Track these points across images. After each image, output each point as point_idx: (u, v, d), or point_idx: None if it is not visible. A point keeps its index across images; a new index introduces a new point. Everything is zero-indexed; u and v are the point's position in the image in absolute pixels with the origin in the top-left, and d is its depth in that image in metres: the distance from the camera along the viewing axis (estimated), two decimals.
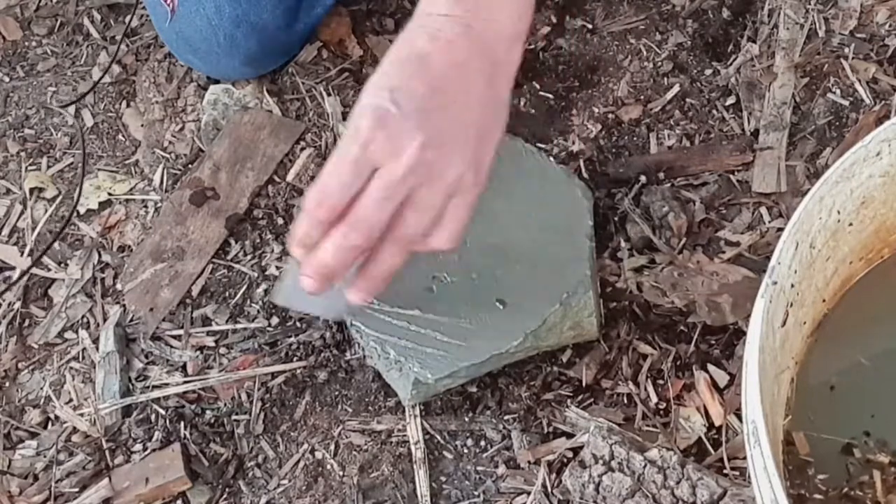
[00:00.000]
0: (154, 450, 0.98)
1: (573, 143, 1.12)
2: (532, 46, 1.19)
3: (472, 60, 0.81)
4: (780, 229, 1.03)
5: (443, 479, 0.96)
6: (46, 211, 1.16)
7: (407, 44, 0.81)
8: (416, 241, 0.83)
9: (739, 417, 0.93)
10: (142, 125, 1.21)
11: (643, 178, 1.08)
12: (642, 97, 1.15)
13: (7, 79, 1.27)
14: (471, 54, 0.81)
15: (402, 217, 0.81)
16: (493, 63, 0.82)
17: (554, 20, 1.22)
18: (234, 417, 1.01)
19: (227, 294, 1.08)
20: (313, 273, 0.84)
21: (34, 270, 1.12)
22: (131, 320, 1.07)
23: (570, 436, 0.95)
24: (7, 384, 1.06)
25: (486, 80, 0.82)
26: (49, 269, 1.12)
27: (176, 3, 1.12)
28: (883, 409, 0.89)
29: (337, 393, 1.01)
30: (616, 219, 1.06)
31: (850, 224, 0.88)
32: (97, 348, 1.06)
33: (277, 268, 1.08)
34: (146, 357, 1.05)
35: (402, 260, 0.84)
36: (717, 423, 0.94)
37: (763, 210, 1.06)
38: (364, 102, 0.80)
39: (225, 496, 0.97)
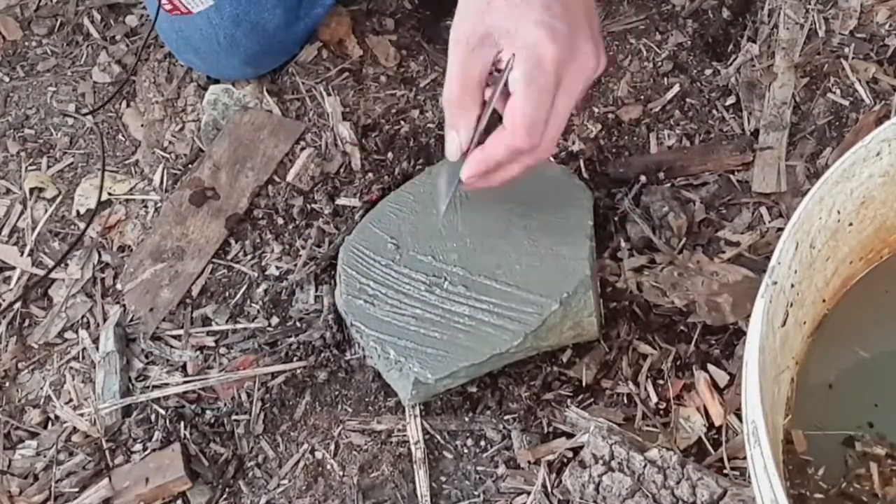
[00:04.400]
0: (154, 450, 0.99)
1: (573, 143, 1.12)
2: None
3: None
4: (780, 229, 1.03)
5: (443, 479, 0.96)
6: (46, 211, 1.16)
7: None
8: None
9: (739, 417, 0.93)
10: (142, 125, 1.21)
11: (643, 178, 1.08)
12: (642, 97, 1.15)
13: (7, 79, 1.27)
14: None
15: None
16: None
17: None
18: (234, 417, 1.01)
19: (227, 294, 1.08)
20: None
21: (34, 270, 1.12)
22: (131, 320, 1.07)
23: (570, 436, 0.95)
24: (7, 384, 1.06)
25: None
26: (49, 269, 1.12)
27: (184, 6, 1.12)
28: (883, 407, 0.89)
29: (337, 393, 1.01)
30: (616, 219, 1.06)
31: (850, 224, 0.88)
32: (97, 348, 1.06)
33: (277, 268, 1.08)
34: (146, 357, 1.05)
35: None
36: (717, 423, 0.94)
37: (763, 210, 1.06)
38: (522, 27, 0.85)
39: (225, 496, 0.97)
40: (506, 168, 0.89)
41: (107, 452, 1.00)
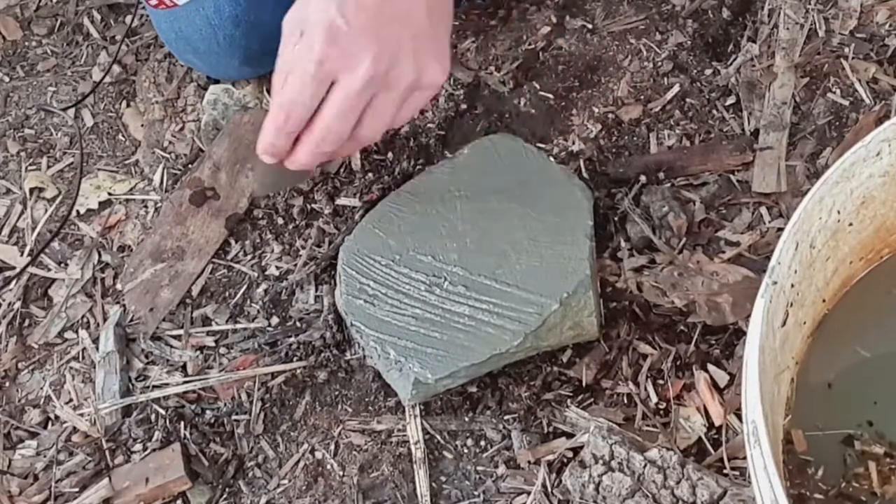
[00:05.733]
0: (154, 450, 0.99)
1: (573, 143, 1.12)
2: (532, 46, 1.20)
3: None
4: (780, 229, 1.03)
5: (443, 479, 0.96)
6: (46, 211, 1.16)
7: None
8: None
9: (739, 417, 0.93)
10: (142, 125, 1.21)
11: (643, 178, 1.08)
12: (642, 97, 1.15)
13: (7, 79, 1.27)
14: None
15: (360, 121, 0.88)
16: None
17: (554, 20, 1.22)
18: (234, 417, 1.01)
19: (227, 294, 1.08)
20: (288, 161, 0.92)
21: (34, 270, 1.12)
22: (131, 320, 1.07)
23: (570, 436, 0.95)
24: (7, 384, 1.06)
25: None
26: (49, 269, 1.12)
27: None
28: (882, 405, 0.89)
29: (337, 393, 1.01)
30: (616, 219, 1.06)
31: (850, 224, 0.88)
32: (97, 348, 1.06)
33: (277, 268, 1.08)
34: (146, 357, 1.05)
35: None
36: (717, 423, 0.94)
37: (763, 210, 1.06)
38: (313, 19, 0.85)
39: (225, 496, 0.97)
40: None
41: (107, 452, 1.00)
